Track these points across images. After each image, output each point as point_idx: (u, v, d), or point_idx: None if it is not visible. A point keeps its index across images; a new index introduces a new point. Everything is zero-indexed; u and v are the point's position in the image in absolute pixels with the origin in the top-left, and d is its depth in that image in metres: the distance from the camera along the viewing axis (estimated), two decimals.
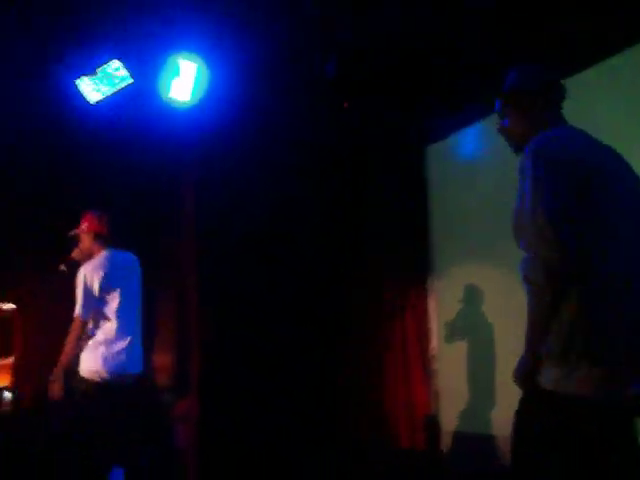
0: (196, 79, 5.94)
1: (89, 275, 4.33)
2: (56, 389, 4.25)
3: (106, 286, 4.34)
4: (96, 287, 4.32)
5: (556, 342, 2.06)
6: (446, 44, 5.53)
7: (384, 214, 6.96)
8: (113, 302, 4.37)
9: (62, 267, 4.62)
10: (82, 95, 5.85)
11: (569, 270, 2.02)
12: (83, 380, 4.29)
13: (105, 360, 4.26)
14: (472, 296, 6.22)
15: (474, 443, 5.98)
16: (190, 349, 6.83)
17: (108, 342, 4.30)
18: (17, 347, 8.22)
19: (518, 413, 2.22)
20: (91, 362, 4.27)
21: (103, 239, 4.48)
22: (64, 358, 4.24)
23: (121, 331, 4.36)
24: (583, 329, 2.02)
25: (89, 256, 4.51)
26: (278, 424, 6.47)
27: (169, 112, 6.16)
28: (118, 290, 4.38)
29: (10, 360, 9.58)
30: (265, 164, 6.68)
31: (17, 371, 8.76)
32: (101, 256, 4.43)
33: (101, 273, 4.33)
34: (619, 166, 2.31)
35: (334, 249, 7.16)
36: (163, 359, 6.95)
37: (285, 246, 6.91)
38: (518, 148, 2.51)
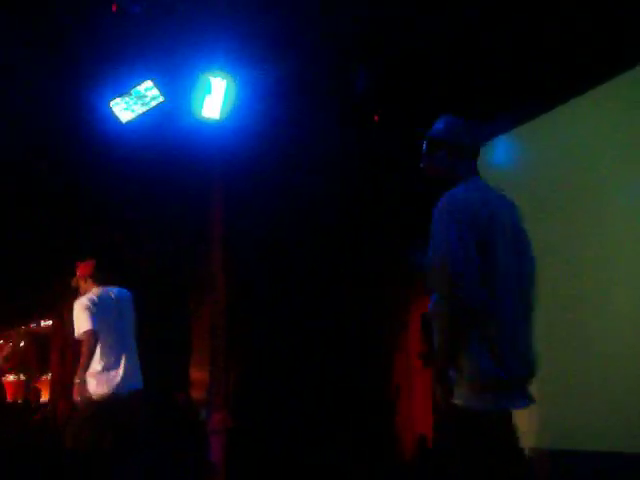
0: (225, 96, 6.00)
1: (86, 305, 4.78)
2: (81, 390, 4.59)
3: (99, 318, 4.76)
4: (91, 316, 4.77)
5: (465, 367, 2.42)
6: (476, 56, 5.52)
7: (412, 225, 6.93)
8: (105, 332, 4.79)
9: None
10: (115, 115, 5.95)
11: (470, 307, 2.40)
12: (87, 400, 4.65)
13: (102, 384, 4.68)
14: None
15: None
16: (223, 365, 6.88)
17: (104, 370, 4.71)
18: (54, 363, 8.38)
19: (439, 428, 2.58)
20: (92, 386, 4.67)
21: (93, 279, 5.01)
22: (83, 366, 4.61)
23: (115, 358, 4.78)
24: (486, 357, 2.41)
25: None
26: (308, 435, 6.48)
27: (199, 129, 6.24)
28: (109, 321, 4.82)
29: (48, 376, 9.77)
30: (293, 178, 6.72)
31: (54, 386, 8.91)
32: (93, 292, 4.92)
33: (93, 307, 4.77)
34: (509, 216, 2.69)
35: (361, 259, 7.16)
36: (198, 374, 7.01)
37: (313, 256, 6.93)
38: (444, 182, 2.76)
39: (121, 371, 4.72)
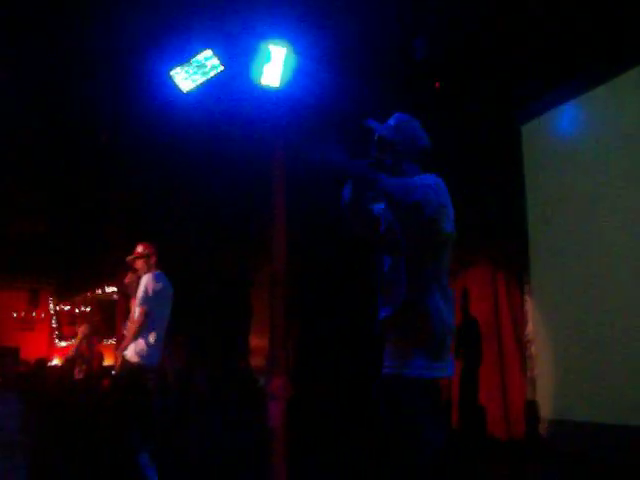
0: (285, 64, 5.95)
1: (149, 285, 5.25)
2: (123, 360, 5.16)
3: (158, 298, 5.25)
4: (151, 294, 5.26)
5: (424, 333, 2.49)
6: (540, 19, 5.32)
7: (478, 196, 6.81)
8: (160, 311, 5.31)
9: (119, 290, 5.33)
10: (175, 85, 5.98)
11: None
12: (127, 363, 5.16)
13: (151, 356, 5.20)
14: (569, 279, 6.00)
15: (573, 430, 5.79)
16: (284, 332, 6.93)
17: (155, 343, 5.21)
18: (119, 328, 8.61)
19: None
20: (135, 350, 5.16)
21: (152, 263, 5.42)
22: (130, 339, 5.13)
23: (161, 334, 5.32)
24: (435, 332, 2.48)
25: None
26: (366, 404, 6.50)
27: (259, 97, 6.21)
28: (165, 302, 5.32)
29: (114, 340, 10.08)
30: (355, 146, 6.64)
31: (118, 351, 9.16)
32: (153, 274, 5.34)
33: (154, 286, 5.25)
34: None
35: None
36: (258, 342, 7.11)
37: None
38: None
39: (161, 346, 5.27)
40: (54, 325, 13.49)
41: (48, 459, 5.21)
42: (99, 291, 12.04)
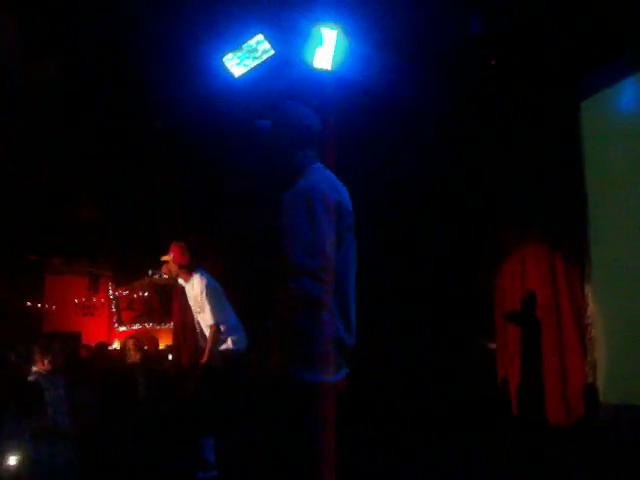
0: (336, 46, 5.91)
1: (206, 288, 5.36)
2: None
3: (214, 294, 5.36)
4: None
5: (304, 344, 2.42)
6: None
7: (536, 175, 6.67)
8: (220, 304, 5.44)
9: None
10: (227, 70, 6.01)
11: (324, 291, 2.40)
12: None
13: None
14: (631, 260, 5.82)
15: (633, 415, 5.65)
16: None
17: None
18: (175, 312, 8.75)
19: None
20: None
21: (187, 268, 5.48)
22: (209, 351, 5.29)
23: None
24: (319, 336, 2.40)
25: (176, 279, 5.64)
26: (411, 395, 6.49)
27: (311, 80, 6.19)
28: (218, 295, 5.42)
29: (171, 325, 10.26)
30: (408, 127, 6.57)
31: (175, 335, 9.34)
32: (202, 277, 5.43)
33: (207, 288, 5.37)
34: (348, 201, 2.68)
35: (481, 214, 6.97)
36: None
37: (424, 207, 6.80)
38: (280, 166, 2.73)
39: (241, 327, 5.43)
40: (113, 310, 13.82)
41: (108, 444, 5.35)
42: (156, 276, 12.27)
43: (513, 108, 6.71)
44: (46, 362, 5.00)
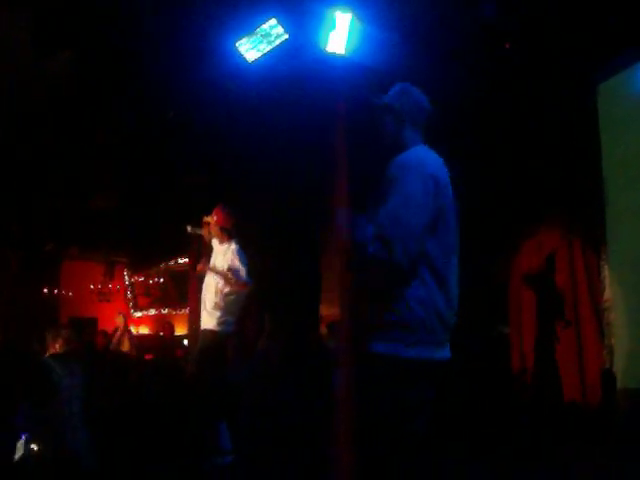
0: (350, 30, 5.86)
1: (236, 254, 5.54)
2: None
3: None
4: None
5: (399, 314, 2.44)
6: None
7: (553, 158, 6.59)
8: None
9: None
10: (241, 55, 5.99)
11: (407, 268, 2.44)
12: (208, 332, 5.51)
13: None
14: None
15: None
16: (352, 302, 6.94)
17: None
18: (191, 299, 8.81)
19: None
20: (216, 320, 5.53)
21: (228, 232, 5.64)
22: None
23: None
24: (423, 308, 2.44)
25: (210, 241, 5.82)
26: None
27: (325, 65, 6.14)
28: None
29: (187, 310, 10.32)
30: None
31: (190, 321, 9.39)
32: (233, 246, 5.58)
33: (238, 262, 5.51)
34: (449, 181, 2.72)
35: (497, 198, 6.92)
36: (328, 311, 7.16)
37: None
38: (388, 149, 2.81)
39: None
40: (129, 296, 13.91)
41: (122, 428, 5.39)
42: (172, 262, 12.33)
43: (529, 91, 6.63)
44: (57, 346, 5.05)
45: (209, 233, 5.73)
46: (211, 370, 5.34)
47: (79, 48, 6.27)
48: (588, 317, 6.44)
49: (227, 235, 5.65)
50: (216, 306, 5.43)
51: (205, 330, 5.46)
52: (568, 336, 6.52)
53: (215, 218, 5.66)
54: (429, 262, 2.50)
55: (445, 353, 2.56)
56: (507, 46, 6.06)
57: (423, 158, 2.64)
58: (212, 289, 5.49)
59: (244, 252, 5.63)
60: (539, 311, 6.86)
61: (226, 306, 5.45)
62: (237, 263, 5.47)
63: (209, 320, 5.45)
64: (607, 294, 6.24)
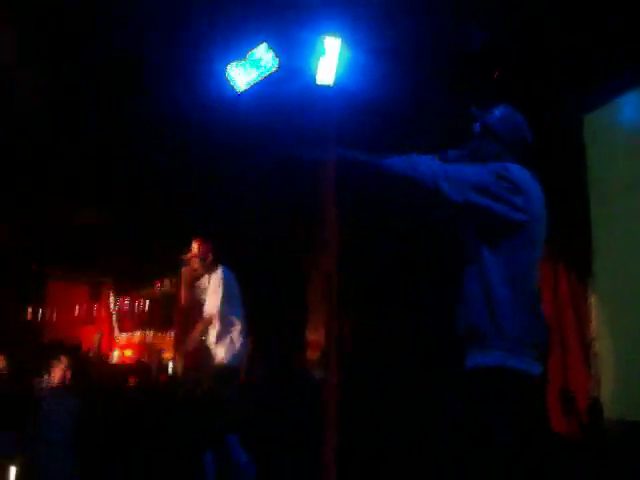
0: (340, 58, 5.89)
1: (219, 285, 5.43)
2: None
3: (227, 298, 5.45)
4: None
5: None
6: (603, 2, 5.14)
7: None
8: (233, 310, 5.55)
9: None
10: (231, 81, 6.00)
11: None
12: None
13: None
14: (636, 273, 5.78)
15: (637, 431, 5.59)
16: (338, 325, 6.93)
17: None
18: (176, 323, 8.78)
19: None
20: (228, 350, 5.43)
21: (212, 260, 5.57)
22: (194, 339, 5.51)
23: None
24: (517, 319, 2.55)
25: (199, 277, 5.68)
26: (423, 398, 6.44)
27: (314, 91, 6.18)
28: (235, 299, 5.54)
29: (171, 334, 10.26)
30: (414, 142, 6.54)
31: (176, 345, 9.35)
32: (218, 274, 5.47)
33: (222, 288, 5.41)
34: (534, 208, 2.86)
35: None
36: (314, 336, 7.13)
37: (431, 232, 6.79)
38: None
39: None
40: (114, 317, 13.81)
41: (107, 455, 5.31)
42: (158, 285, 12.26)
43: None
44: (66, 377, 4.96)
45: (195, 270, 5.66)
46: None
47: (66, 66, 6.28)
48: (574, 347, 6.43)
49: (212, 264, 5.58)
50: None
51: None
52: (554, 364, 6.50)
53: (195, 252, 5.60)
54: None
55: None
56: (496, 75, 6.12)
57: (521, 174, 2.70)
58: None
59: (232, 273, 5.56)
60: None
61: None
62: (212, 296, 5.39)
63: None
64: (594, 324, 6.25)
